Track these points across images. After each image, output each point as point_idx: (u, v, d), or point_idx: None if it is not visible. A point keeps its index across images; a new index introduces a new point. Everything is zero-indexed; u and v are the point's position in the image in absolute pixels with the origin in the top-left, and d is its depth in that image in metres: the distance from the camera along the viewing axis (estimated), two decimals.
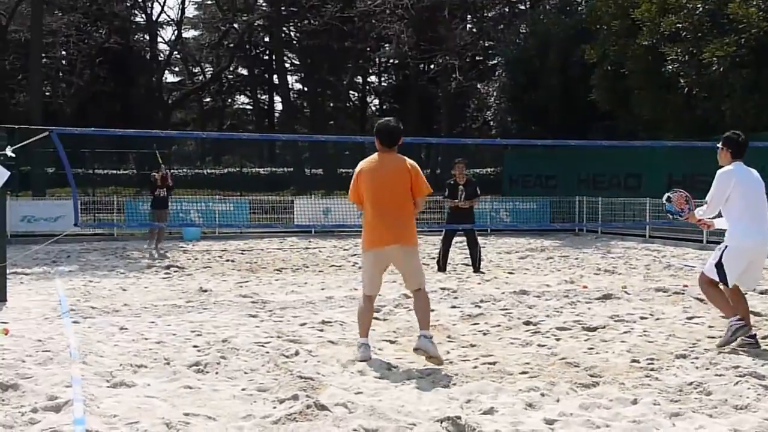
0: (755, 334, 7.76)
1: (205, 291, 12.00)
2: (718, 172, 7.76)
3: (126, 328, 8.73)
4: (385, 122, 7.55)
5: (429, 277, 13.71)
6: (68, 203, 19.42)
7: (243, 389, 6.21)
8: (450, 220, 15.34)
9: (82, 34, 41.12)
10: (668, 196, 8.30)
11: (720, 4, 20.33)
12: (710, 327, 8.75)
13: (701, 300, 10.61)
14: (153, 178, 18.96)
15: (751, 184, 7.70)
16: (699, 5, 20.98)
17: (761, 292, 11.20)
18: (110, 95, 46.72)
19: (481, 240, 22.55)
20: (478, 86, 36.44)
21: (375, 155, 7.52)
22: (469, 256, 15.22)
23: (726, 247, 7.62)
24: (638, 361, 7.09)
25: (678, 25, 21.33)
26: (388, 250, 7.28)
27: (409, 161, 7.37)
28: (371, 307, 7.60)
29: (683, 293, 11.32)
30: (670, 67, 21.26)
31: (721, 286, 7.71)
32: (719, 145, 7.93)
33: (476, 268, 14.78)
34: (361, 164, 7.53)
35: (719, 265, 7.59)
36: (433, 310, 9.30)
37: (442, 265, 14.98)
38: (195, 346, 7.77)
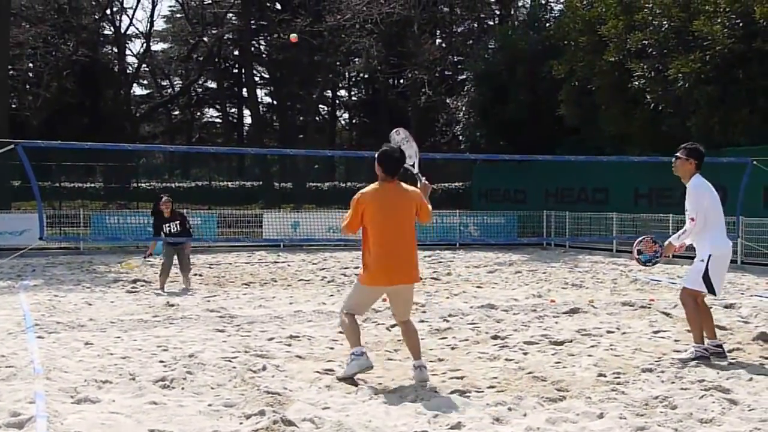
0: (721, 343, 7.88)
1: (172, 305, 11.92)
2: (693, 185, 7.80)
3: (91, 344, 8.65)
4: (391, 150, 7.07)
5: None
6: (34, 217, 19.19)
7: (209, 405, 6.17)
8: None
9: (50, 46, 40.76)
10: (638, 249, 8.26)
11: (685, 21, 20.55)
12: (676, 341, 8.83)
13: (667, 314, 10.71)
14: (157, 209, 14.76)
15: (715, 194, 7.86)
16: (665, 22, 21.21)
17: (726, 306, 11.32)
18: (78, 108, 46.32)
19: (449, 254, 22.66)
20: (447, 101, 36.52)
21: (377, 185, 7.01)
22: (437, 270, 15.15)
23: (710, 256, 7.66)
24: (605, 375, 7.13)
25: (644, 41, 21.54)
26: (392, 289, 6.99)
27: (413, 189, 7.11)
28: (355, 319, 7.23)
29: (649, 307, 11.41)
30: (636, 83, 21.45)
31: (694, 300, 7.78)
32: (681, 155, 7.96)
33: None
34: (365, 195, 6.97)
35: (706, 277, 7.65)
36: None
37: None
38: (161, 362, 7.72)
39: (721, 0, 19.73)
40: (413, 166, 7.66)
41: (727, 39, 19.18)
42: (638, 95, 21.66)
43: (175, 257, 14.49)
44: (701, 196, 7.74)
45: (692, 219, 7.74)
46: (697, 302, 7.82)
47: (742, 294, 13.30)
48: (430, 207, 7.24)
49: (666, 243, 8.12)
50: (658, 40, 21.21)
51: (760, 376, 7.06)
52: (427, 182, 7.50)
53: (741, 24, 19.39)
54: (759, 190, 19.01)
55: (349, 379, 6.96)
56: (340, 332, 8.45)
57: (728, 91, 19.70)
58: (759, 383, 6.80)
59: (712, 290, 7.71)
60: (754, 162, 15.35)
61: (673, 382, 6.86)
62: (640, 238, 8.42)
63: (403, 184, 7.09)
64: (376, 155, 7.05)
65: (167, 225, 14.47)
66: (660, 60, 20.95)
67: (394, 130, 7.84)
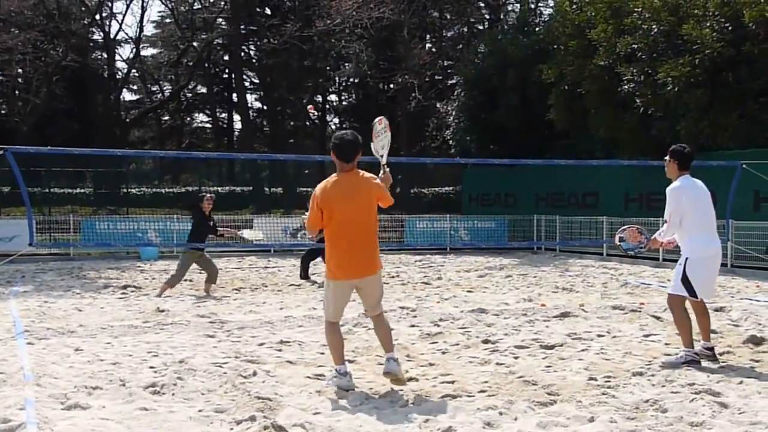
0: (713, 347, 7.90)
1: (162, 311, 11.88)
2: (669, 189, 7.90)
3: (81, 350, 8.61)
4: (341, 136, 6.92)
5: (386, 296, 13.73)
6: (23, 222, 19.11)
7: (200, 410, 6.15)
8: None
9: (39, 51, 40.65)
10: (620, 237, 8.44)
11: (675, 25, 20.62)
12: (666, 344, 8.83)
13: (657, 318, 10.73)
14: (203, 206, 14.50)
15: (700, 196, 7.86)
16: (654, 26, 21.27)
17: (716, 310, 11.35)
18: (67, 113, 46.22)
19: (440, 258, 22.70)
20: (438, 105, 36.61)
21: (334, 177, 6.90)
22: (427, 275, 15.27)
23: (687, 259, 7.72)
24: (595, 379, 7.13)
25: (634, 45, 21.60)
26: (357, 282, 6.88)
27: (369, 176, 6.94)
28: (338, 330, 7.08)
29: (640, 311, 11.43)
30: (626, 87, 21.51)
31: (689, 301, 7.82)
32: (666, 158, 8.09)
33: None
34: (321, 189, 6.88)
35: (685, 280, 7.69)
36: (392, 329, 9.31)
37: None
38: (151, 367, 7.69)
39: (710, 4, 19.81)
40: (382, 156, 7.51)
41: (716, 43, 19.25)
42: (628, 99, 21.73)
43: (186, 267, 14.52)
44: (675, 198, 7.80)
45: (666, 221, 7.88)
46: (686, 307, 7.83)
47: (732, 297, 13.33)
48: (389, 195, 7.16)
49: (652, 237, 8.30)
50: (648, 44, 21.27)
51: (750, 379, 7.08)
52: (389, 174, 7.29)
53: (730, 28, 19.47)
54: (749, 194, 19.08)
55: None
56: None
57: (717, 95, 19.77)
58: (749, 386, 6.82)
59: (693, 293, 7.72)
60: (744, 165, 15.43)
61: (663, 386, 6.87)
62: (625, 227, 8.62)
63: (362, 172, 6.93)
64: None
65: (211, 221, 14.65)
66: (649, 64, 21.02)
67: (377, 119, 7.76)
